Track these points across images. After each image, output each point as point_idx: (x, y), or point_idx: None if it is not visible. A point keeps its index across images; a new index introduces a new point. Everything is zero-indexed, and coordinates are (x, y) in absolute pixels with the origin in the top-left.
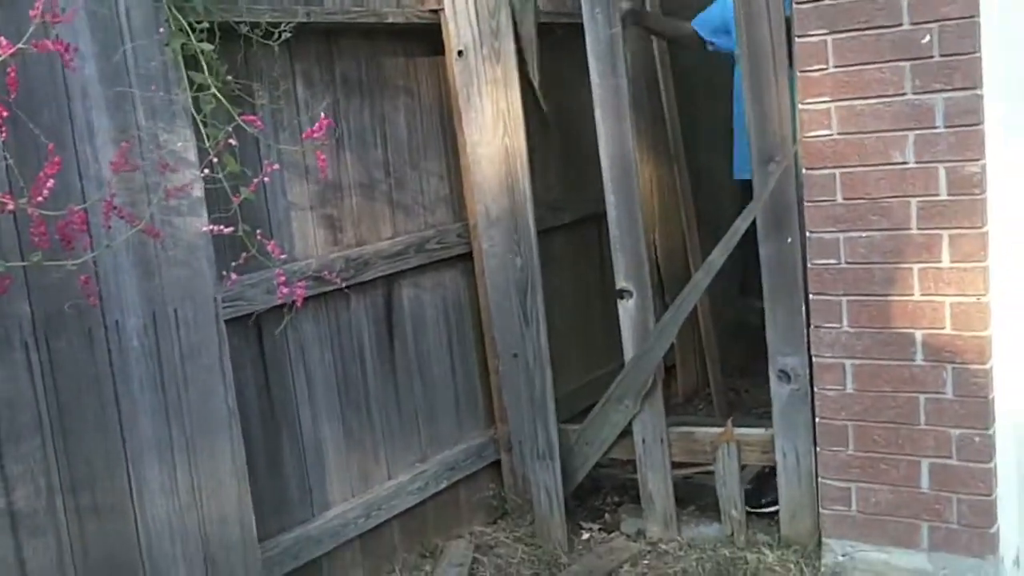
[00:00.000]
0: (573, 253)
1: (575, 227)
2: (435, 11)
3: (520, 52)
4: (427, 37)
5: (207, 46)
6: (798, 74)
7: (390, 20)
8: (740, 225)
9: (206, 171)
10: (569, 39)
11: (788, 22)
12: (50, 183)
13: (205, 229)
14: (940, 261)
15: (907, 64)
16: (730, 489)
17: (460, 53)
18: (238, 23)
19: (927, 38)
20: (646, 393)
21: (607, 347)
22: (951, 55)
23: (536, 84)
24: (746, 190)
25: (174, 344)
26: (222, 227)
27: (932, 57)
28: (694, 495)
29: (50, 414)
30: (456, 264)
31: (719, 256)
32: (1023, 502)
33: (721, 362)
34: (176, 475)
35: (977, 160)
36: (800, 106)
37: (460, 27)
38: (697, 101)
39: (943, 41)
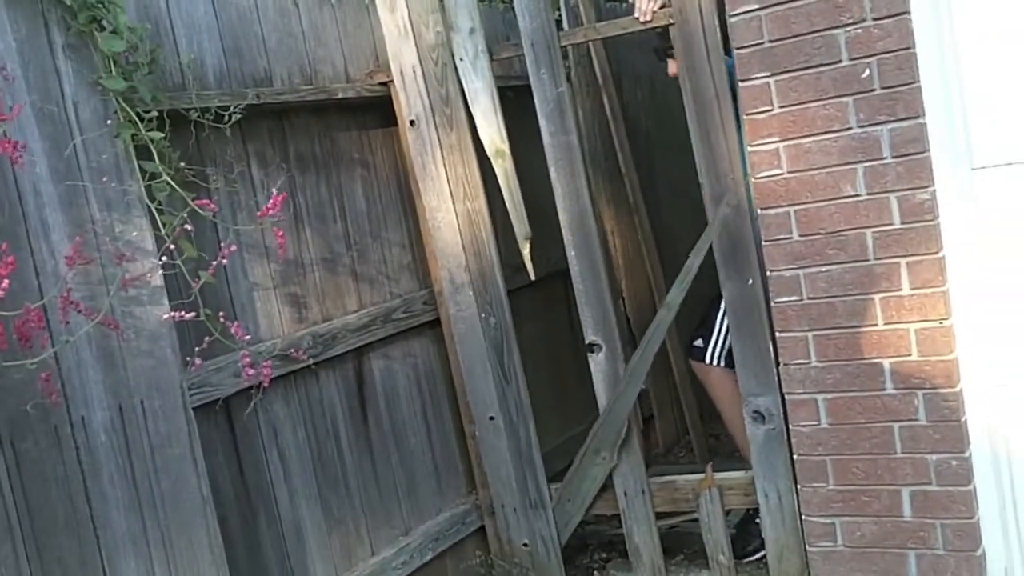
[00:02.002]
0: (542, 311)
1: (541, 285)
2: (385, 83)
3: (473, 117)
4: (379, 109)
5: (157, 135)
6: (745, 117)
7: (340, 95)
8: (693, 262)
9: (164, 259)
10: (520, 101)
11: (731, 69)
12: (4, 283)
13: (166, 317)
14: (900, 289)
15: (850, 99)
16: (716, 535)
17: (412, 123)
18: (187, 109)
19: (867, 72)
20: (622, 443)
21: (582, 404)
22: (892, 87)
23: (499, 148)
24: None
25: (143, 436)
26: (183, 313)
27: (874, 90)
28: (681, 544)
29: (19, 517)
30: (424, 331)
31: (677, 294)
32: (1006, 522)
33: (698, 408)
34: (154, 569)
35: (927, 187)
36: (749, 148)
37: (411, 97)
38: (652, 154)
39: (883, 74)
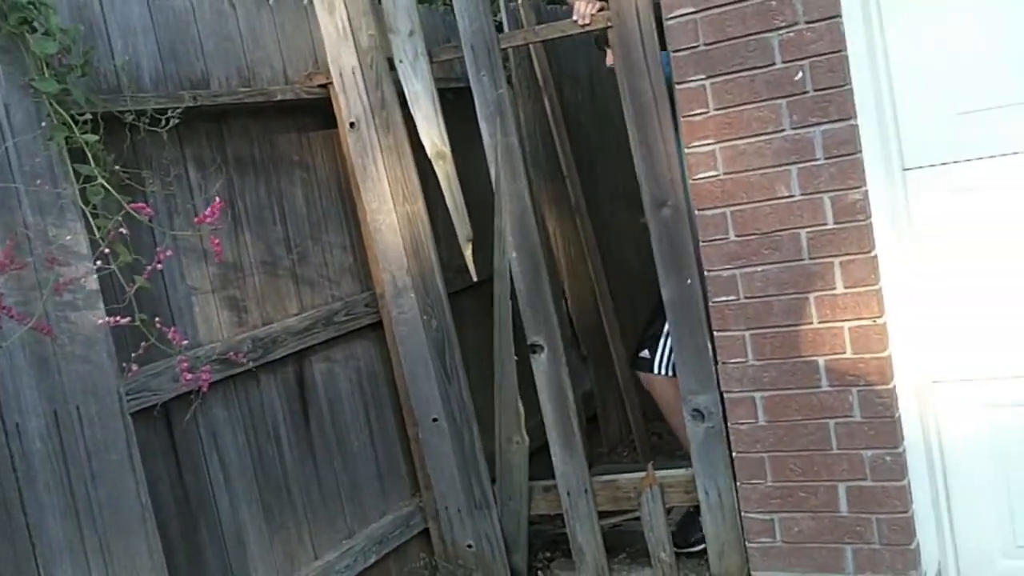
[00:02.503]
0: (484, 313)
1: (484, 287)
2: (324, 85)
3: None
4: (319, 111)
5: (92, 137)
6: (681, 119)
7: (279, 98)
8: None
9: (99, 263)
10: (460, 103)
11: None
12: None
13: (101, 322)
14: (834, 288)
15: (783, 101)
16: (658, 533)
17: (352, 125)
18: (122, 112)
19: (800, 75)
20: (522, 425)
21: (525, 405)
22: (824, 89)
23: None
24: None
25: (79, 442)
26: (119, 318)
27: (806, 92)
28: (624, 542)
29: None
30: (367, 334)
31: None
32: (939, 516)
33: (641, 407)
34: None
35: (859, 187)
36: (686, 150)
37: (350, 100)
38: (593, 156)
39: (815, 77)
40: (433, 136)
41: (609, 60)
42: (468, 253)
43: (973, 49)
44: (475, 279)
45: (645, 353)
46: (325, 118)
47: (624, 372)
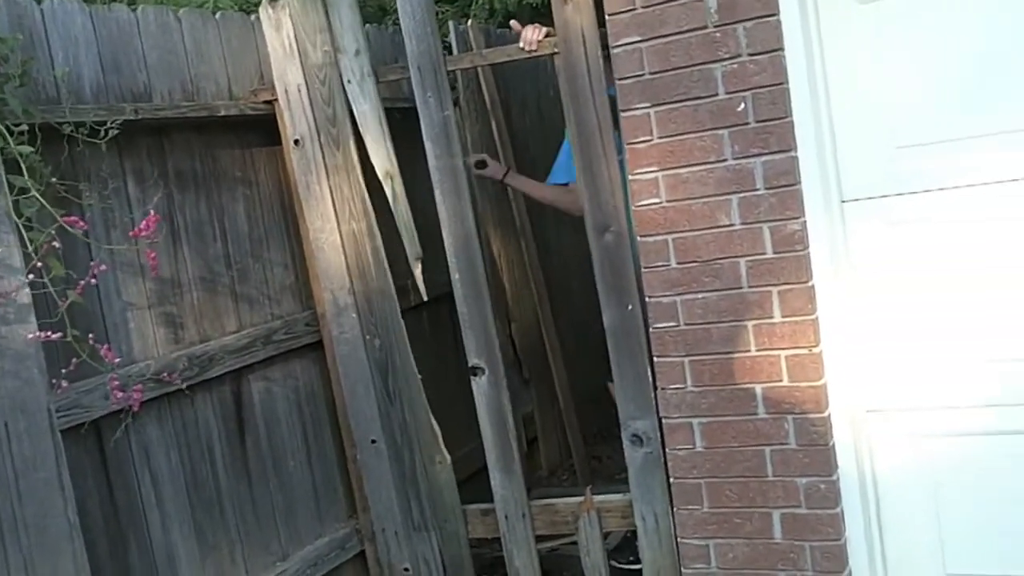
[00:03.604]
0: (428, 334)
1: (428, 308)
2: (270, 102)
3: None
4: (263, 127)
5: (27, 149)
6: (626, 146)
7: (223, 113)
8: None
9: (31, 276)
10: (409, 123)
11: (613, 99)
12: None
13: (32, 336)
14: (772, 316)
15: (725, 131)
16: (594, 558)
17: (297, 142)
18: (61, 123)
19: (742, 106)
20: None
21: (467, 426)
22: (765, 121)
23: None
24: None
25: (6, 459)
26: (50, 333)
27: (748, 124)
28: (561, 567)
29: None
30: (306, 353)
31: None
32: (871, 544)
33: (582, 431)
34: None
35: (798, 218)
36: (630, 176)
37: (295, 117)
38: (540, 179)
39: (757, 108)
40: (381, 156)
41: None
42: (418, 272)
43: (910, 86)
44: (424, 298)
45: None
46: (269, 135)
47: (565, 395)
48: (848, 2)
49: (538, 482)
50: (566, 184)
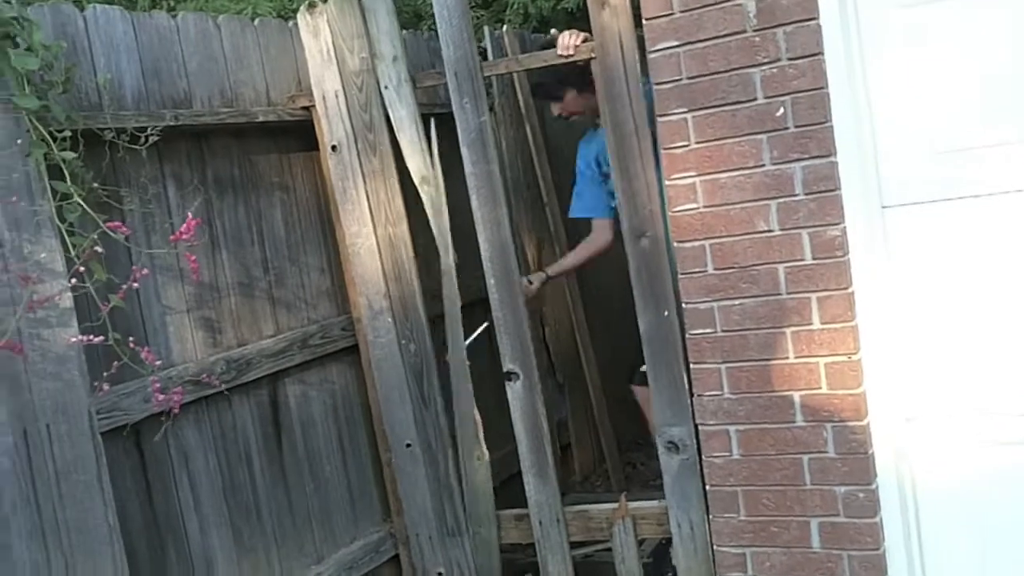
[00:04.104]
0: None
1: (463, 313)
2: (307, 108)
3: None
4: (300, 133)
5: (70, 155)
6: (663, 151)
7: (261, 119)
8: None
9: (74, 281)
10: (445, 129)
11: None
12: None
13: (74, 340)
14: (811, 323)
15: (764, 136)
16: (629, 565)
17: (334, 148)
18: (102, 130)
19: (781, 110)
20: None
21: (500, 432)
22: (805, 126)
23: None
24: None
25: (48, 461)
26: (92, 337)
27: (787, 128)
28: (596, 573)
29: None
30: (342, 358)
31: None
32: (911, 554)
33: (616, 437)
34: None
35: (837, 224)
36: (667, 182)
37: (332, 123)
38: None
39: (796, 113)
40: (418, 161)
41: (556, 111)
42: (447, 281)
43: (952, 90)
44: (459, 303)
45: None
46: (307, 140)
47: (599, 401)
48: (889, 6)
49: (572, 488)
50: (588, 219)
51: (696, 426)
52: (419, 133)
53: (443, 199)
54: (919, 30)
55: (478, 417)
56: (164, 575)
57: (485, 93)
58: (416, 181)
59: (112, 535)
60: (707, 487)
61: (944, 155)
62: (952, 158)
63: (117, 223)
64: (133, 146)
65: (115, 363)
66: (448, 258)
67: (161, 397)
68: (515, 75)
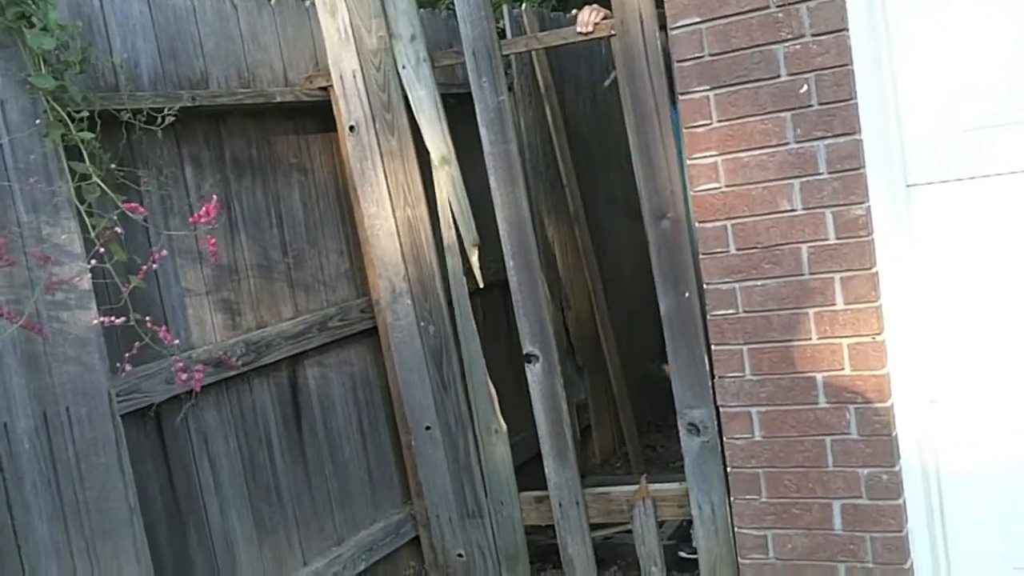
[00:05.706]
0: (482, 321)
1: (482, 294)
2: (324, 88)
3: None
4: (318, 114)
5: (88, 135)
6: (684, 130)
7: (278, 100)
8: None
9: (93, 262)
10: (462, 108)
11: (671, 79)
12: None
13: (95, 321)
14: (834, 304)
15: (787, 114)
16: (649, 547)
17: (352, 128)
18: (119, 110)
19: (805, 88)
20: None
21: (520, 414)
22: (829, 103)
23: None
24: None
25: (68, 443)
26: (112, 318)
27: (811, 106)
28: (616, 555)
29: None
30: (361, 340)
31: None
32: (934, 536)
33: (636, 419)
34: None
35: (861, 203)
36: (688, 161)
37: (350, 103)
38: (594, 165)
39: (820, 90)
40: (437, 141)
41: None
42: (474, 259)
43: (978, 66)
44: (480, 285)
45: None
46: (324, 121)
47: (619, 383)
48: None
49: (591, 470)
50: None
51: (717, 408)
52: (438, 113)
53: (460, 179)
54: (945, 5)
55: (493, 390)
56: (185, 556)
57: (504, 72)
58: (435, 161)
59: (132, 516)
60: (728, 469)
61: (970, 133)
62: (978, 136)
63: (135, 204)
64: (150, 127)
65: (136, 344)
66: (470, 236)
67: (184, 377)
68: (534, 54)
